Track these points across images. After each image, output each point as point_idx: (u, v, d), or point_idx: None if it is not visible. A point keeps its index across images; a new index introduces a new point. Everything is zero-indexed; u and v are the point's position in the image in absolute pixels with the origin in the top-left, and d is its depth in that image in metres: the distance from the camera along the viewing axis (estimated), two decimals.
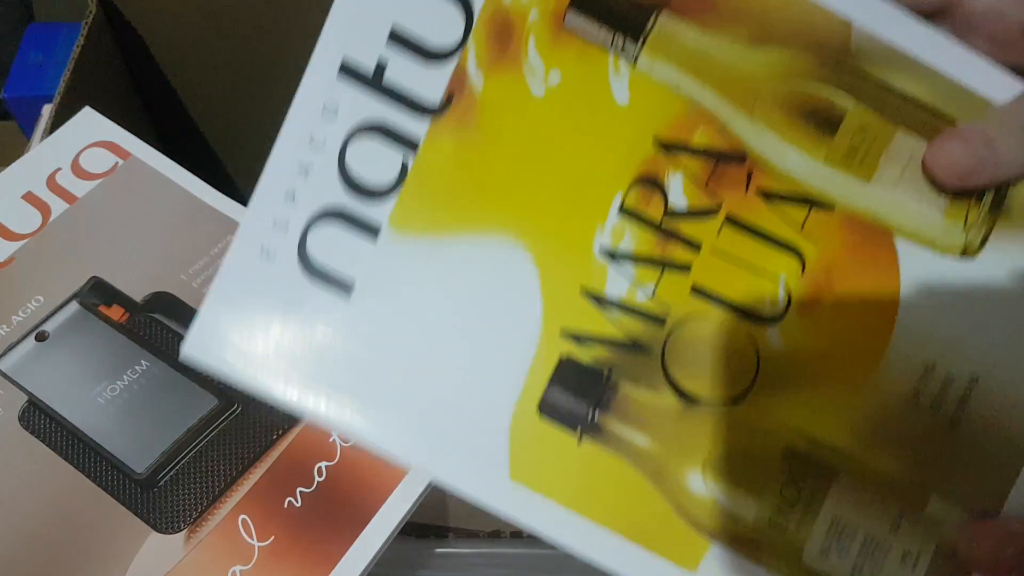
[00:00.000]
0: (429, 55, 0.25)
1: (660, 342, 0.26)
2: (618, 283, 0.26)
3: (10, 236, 0.41)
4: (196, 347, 0.24)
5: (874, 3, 0.26)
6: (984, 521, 0.26)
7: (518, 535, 0.43)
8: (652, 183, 0.26)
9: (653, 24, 0.26)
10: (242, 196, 0.37)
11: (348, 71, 0.25)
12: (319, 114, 0.25)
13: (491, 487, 0.25)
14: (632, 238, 0.26)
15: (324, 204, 0.25)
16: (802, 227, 0.26)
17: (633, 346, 0.26)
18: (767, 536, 0.26)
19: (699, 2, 0.26)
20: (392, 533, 0.35)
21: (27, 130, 0.62)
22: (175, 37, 0.53)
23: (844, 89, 0.26)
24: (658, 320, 0.26)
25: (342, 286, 0.25)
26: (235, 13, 0.51)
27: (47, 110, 0.46)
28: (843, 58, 0.26)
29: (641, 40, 0.26)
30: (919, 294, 0.27)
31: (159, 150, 0.45)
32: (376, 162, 0.25)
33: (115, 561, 0.35)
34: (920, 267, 0.26)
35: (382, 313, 0.25)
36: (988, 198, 0.26)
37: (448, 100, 0.25)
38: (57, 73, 0.55)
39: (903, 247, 0.26)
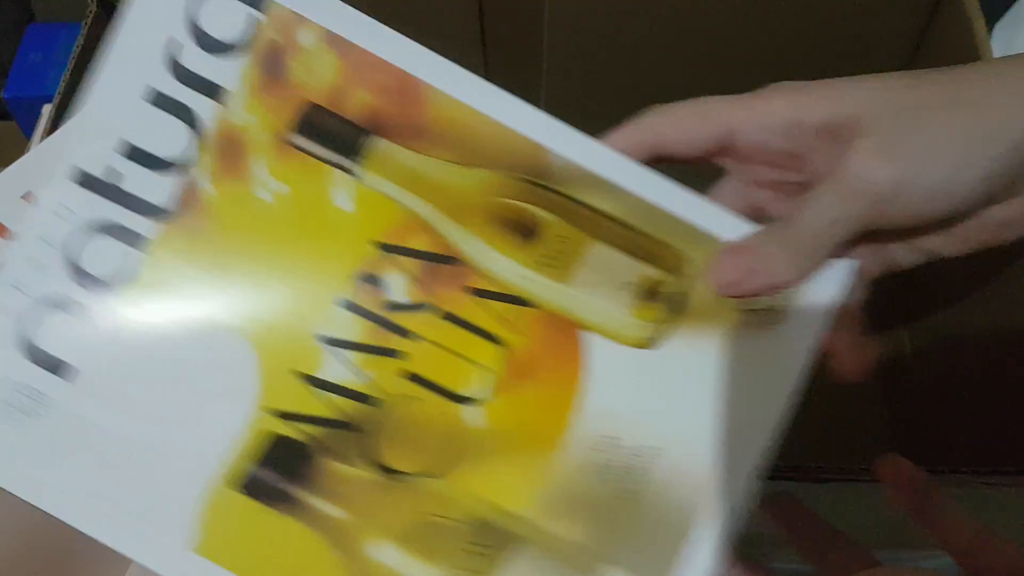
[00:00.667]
0: (158, 164, 0.29)
1: (370, 421, 0.30)
2: (334, 368, 0.30)
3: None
4: None
5: (571, 134, 0.30)
6: None
7: None
8: (372, 280, 0.30)
9: (369, 147, 0.29)
10: None
11: (81, 177, 0.29)
12: (53, 214, 0.29)
13: (174, 562, 0.28)
14: (351, 328, 0.30)
15: (51, 294, 0.29)
16: (506, 321, 0.30)
17: (343, 424, 0.30)
18: None
19: (411, 129, 0.29)
20: None
21: (27, 130, 0.61)
22: None
23: (544, 205, 0.30)
24: (370, 401, 0.30)
25: (66, 370, 0.29)
26: None
27: (47, 110, 0.46)
28: (544, 178, 0.30)
29: (359, 160, 0.29)
30: (605, 379, 0.30)
31: None
32: (108, 259, 0.29)
33: (116, 559, 0.34)
34: (607, 356, 0.30)
35: (98, 396, 0.29)
36: (669, 299, 0.30)
37: (178, 204, 0.29)
38: (57, 73, 0.56)
39: (594, 340, 0.30)
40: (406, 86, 0.30)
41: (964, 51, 0.50)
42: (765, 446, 0.30)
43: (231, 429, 0.29)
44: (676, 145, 0.30)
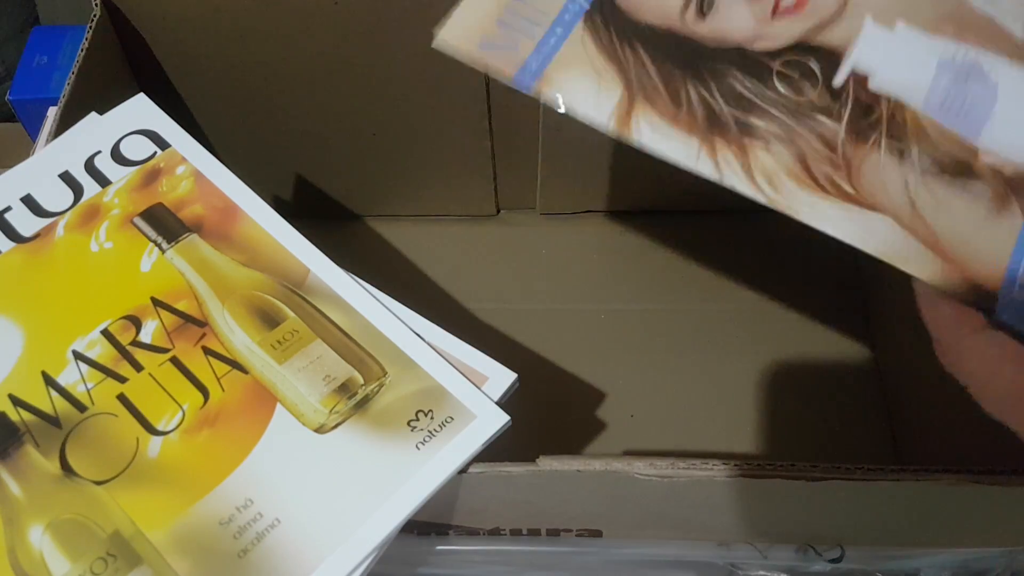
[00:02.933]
0: (39, 211, 0.40)
1: (73, 423, 0.34)
2: (71, 375, 0.35)
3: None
4: None
5: (328, 263, 0.38)
6: None
7: (517, 532, 0.42)
8: (134, 321, 0.36)
9: (185, 238, 0.39)
10: None
11: None
12: None
13: None
14: (99, 350, 0.36)
15: None
16: (219, 378, 0.35)
17: (52, 419, 0.34)
18: None
19: (221, 235, 0.39)
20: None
21: (32, 133, 0.62)
22: (179, 39, 0.54)
23: (290, 305, 0.37)
24: (81, 407, 0.34)
25: None
26: (239, 16, 0.52)
27: (52, 112, 0.46)
28: (299, 287, 0.37)
29: (173, 243, 0.39)
30: (269, 448, 0.34)
31: None
32: None
33: None
34: (283, 430, 0.34)
35: None
36: (357, 398, 0.34)
37: (34, 237, 0.39)
38: (62, 76, 0.57)
39: (280, 412, 0.34)
40: (229, 209, 0.40)
41: None
42: (375, 544, 0.32)
43: None
44: None
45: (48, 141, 0.43)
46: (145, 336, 0.37)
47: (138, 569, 0.31)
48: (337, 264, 0.38)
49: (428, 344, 0.36)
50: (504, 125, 0.58)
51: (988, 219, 0.29)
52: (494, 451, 0.35)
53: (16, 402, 0.35)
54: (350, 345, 0.36)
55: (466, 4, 0.31)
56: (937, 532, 0.41)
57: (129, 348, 0.36)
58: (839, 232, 0.28)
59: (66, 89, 0.45)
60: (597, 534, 0.41)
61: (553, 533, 0.41)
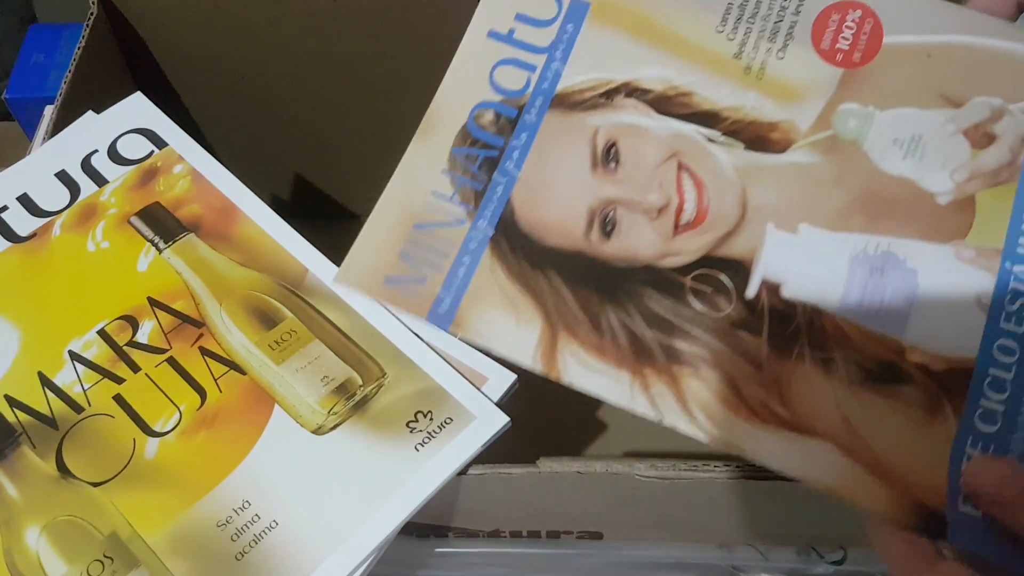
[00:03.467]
0: (35, 210, 0.39)
1: (69, 424, 0.34)
2: (67, 375, 0.35)
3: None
4: None
5: (326, 263, 0.38)
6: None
7: (517, 535, 0.42)
8: (131, 321, 0.36)
9: (182, 237, 0.38)
10: None
11: None
12: None
13: None
14: (96, 350, 0.36)
15: None
16: (217, 379, 0.35)
17: (48, 420, 0.34)
18: None
19: (219, 235, 0.39)
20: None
21: (29, 132, 0.60)
22: (177, 38, 0.53)
23: (288, 305, 0.37)
24: (78, 408, 0.34)
25: None
26: (236, 14, 0.52)
27: (49, 111, 0.45)
28: (297, 288, 0.37)
29: (171, 243, 0.38)
30: (267, 450, 0.33)
31: None
32: None
33: None
34: (281, 431, 0.34)
35: None
36: (355, 399, 0.34)
37: (31, 236, 0.38)
38: (59, 74, 0.56)
39: (277, 414, 0.34)
40: (227, 209, 0.40)
41: None
42: (374, 545, 0.31)
43: None
44: None
45: (45, 140, 0.43)
46: (142, 336, 0.36)
47: (135, 571, 0.31)
48: (336, 264, 0.38)
49: (427, 344, 0.36)
50: None
51: (922, 428, 0.27)
52: (494, 452, 0.34)
53: (12, 403, 0.34)
54: (348, 346, 0.36)
55: (364, 237, 0.30)
56: None
57: (126, 348, 0.36)
58: (784, 467, 0.27)
59: (63, 88, 0.45)
60: (598, 536, 0.41)
61: (554, 535, 0.41)
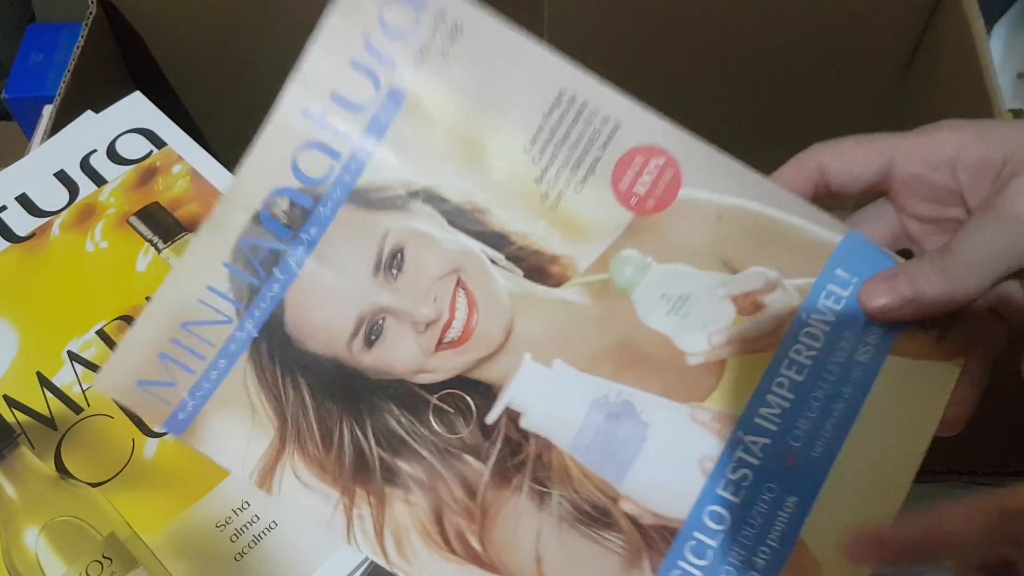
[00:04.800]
0: (34, 210, 0.39)
1: (68, 425, 0.34)
2: (66, 375, 0.35)
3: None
4: None
5: None
6: None
7: None
8: (129, 321, 0.36)
9: (181, 237, 0.38)
10: None
11: None
12: None
13: None
14: (95, 351, 0.35)
15: None
16: None
17: (47, 420, 0.34)
18: None
19: None
20: None
21: (28, 131, 0.60)
22: (175, 37, 0.53)
23: None
24: (77, 409, 0.34)
25: None
26: (235, 14, 0.52)
27: (48, 111, 0.45)
28: None
29: (169, 243, 0.38)
30: None
31: None
32: None
33: None
34: None
35: None
36: None
37: (30, 236, 0.38)
38: (58, 74, 0.56)
39: None
40: None
41: (963, 51, 0.48)
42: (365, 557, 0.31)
43: None
44: (839, 176, 0.31)
45: (43, 140, 0.43)
46: None
47: (134, 572, 0.31)
48: None
49: None
50: None
51: None
52: None
53: (11, 403, 0.34)
54: None
55: (130, 335, 0.28)
56: None
57: None
58: None
59: (61, 87, 0.45)
60: None
61: None
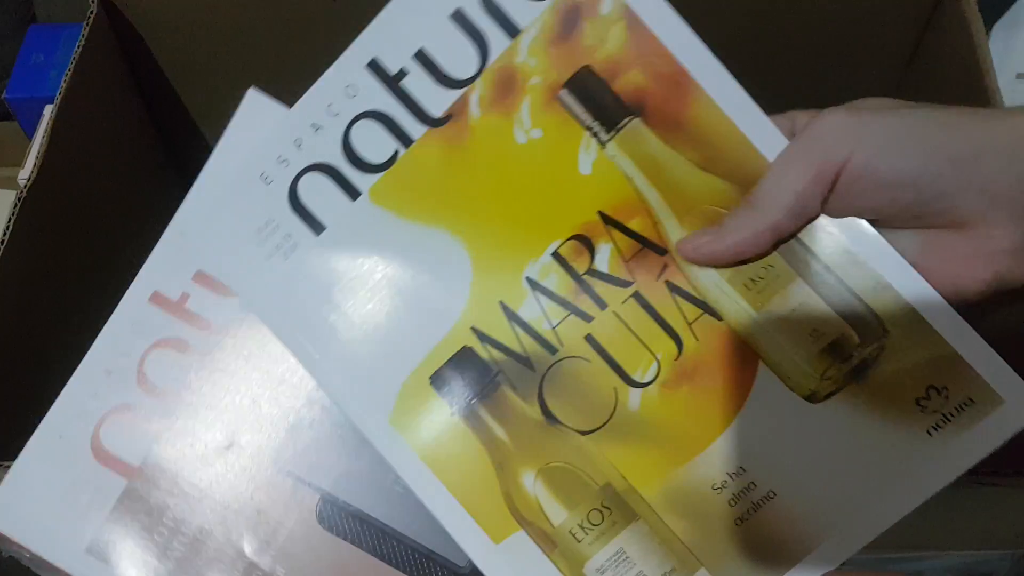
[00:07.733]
0: (443, 78, 0.32)
1: (546, 366, 0.31)
2: (531, 308, 0.31)
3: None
4: None
5: None
6: None
7: None
8: (586, 243, 0.32)
9: (626, 125, 0.31)
10: None
11: (375, 67, 0.32)
12: (342, 90, 0.32)
13: (373, 424, 0.31)
14: (555, 279, 0.31)
15: (322, 158, 0.32)
16: (690, 324, 0.31)
17: (524, 360, 0.31)
18: (564, 541, 0.31)
19: (669, 121, 0.31)
20: None
21: (28, 131, 0.61)
22: (176, 37, 0.54)
23: None
24: (551, 348, 0.31)
25: (315, 224, 0.32)
26: (236, 14, 0.52)
27: (48, 111, 0.46)
28: None
29: (613, 133, 0.31)
30: (757, 413, 0.31)
31: (159, 149, 0.46)
32: (374, 143, 0.31)
33: None
34: (768, 392, 0.31)
35: (339, 255, 0.32)
36: (852, 363, 0.30)
37: (447, 118, 0.32)
38: (59, 74, 0.56)
39: (763, 372, 0.31)
40: (679, 79, 0.31)
41: (963, 51, 0.50)
42: (877, 532, 0.31)
43: (440, 329, 0.31)
44: None
45: (43, 139, 0.41)
46: (601, 264, 0.32)
47: (635, 524, 0.31)
48: None
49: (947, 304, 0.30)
50: None
51: None
52: None
53: (482, 337, 0.32)
54: (842, 293, 0.30)
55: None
56: (940, 534, 0.41)
57: (586, 278, 0.31)
58: None
59: (62, 87, 0.46)
60: None
61: None
